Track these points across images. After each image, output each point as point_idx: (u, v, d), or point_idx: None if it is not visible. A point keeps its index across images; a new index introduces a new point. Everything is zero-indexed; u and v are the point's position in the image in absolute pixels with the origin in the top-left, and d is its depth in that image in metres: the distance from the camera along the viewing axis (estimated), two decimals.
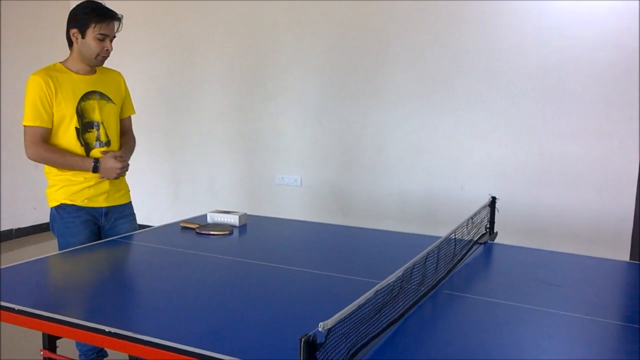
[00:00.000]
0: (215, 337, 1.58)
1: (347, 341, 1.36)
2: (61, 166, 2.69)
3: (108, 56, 2.75)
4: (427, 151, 4.64)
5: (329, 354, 1.27)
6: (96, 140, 2.75)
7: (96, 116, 2.74)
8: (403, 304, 1.71)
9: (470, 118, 4.45)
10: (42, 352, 2.02)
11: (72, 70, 2.72)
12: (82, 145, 2.71)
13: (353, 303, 1.40)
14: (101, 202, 2.79)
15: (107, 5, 2.72)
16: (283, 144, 5.23)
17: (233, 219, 2.94)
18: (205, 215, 3.03)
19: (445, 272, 2.12)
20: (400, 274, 1.69)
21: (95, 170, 2.69)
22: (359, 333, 1.42)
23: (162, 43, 5.67)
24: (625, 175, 4.01)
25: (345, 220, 4.85)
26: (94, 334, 1.61)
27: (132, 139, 3.02)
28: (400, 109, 4.71)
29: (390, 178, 4.80)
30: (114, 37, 2.74)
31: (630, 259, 3.89)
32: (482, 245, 2.62)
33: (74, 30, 2.67)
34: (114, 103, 2.84)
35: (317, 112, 5.04)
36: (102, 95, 2.78)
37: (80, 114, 2.69)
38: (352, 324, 1.38)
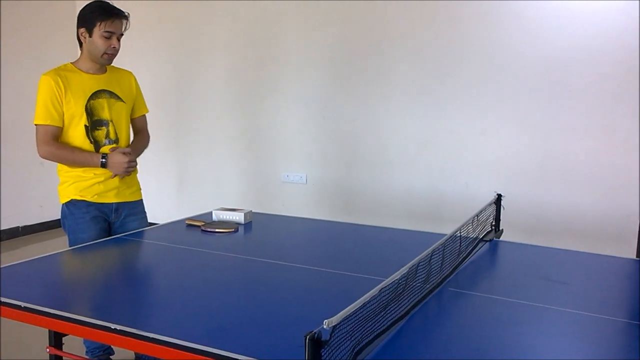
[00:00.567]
0: (220, 334, 1.58)
1: (352, 339, 1.36)
2: (71, 163, 2.73)
3: (115, 54, 2.78)
4: (432, 148, 4.63)
5: (333, 351, 1.27)
6: (105, 138, 2.79)
7: (105, 114, 2.78)
8: (408, 301, 1.71)
9: (475, 115, 4.44)
10: (48, 349, 2.03)
11: (82, 70, 2.77)
12: (91, 142, 2.75)
13: (358, 300, 1.40)
14: (111, 198, 2.82)
15: (113, 5, 2.75)
16: (288, 142, 5.23)
17: (238, 217, 2.94)
18: (211, 213, 3.03)
19: (451, 269, 2.11)
20: (406, 271, 1.69)
21: (103, 165, 2.72)
22: (364, 330, 1.42)
23: (166, 41, 5.67)
24: (630, 172, 4.00)
25: (350, 217, 4.84)
26: (100, 331, 1.61)
27: (144, 137, 3.05)
28: (405, 106, 4.70)
29: (395, 175, 4.80)
30: (122, 35, 2.76)
31: (636, 256, 3.88)
32: (487, 243, 2.61)
33: (82, 30, 2.72)
34: (123, 102, 2.86)
35: (321, 109, 5.04)
36: (112, 94, 2.82)
37: (90, 112, 2.73)
38: (357, 321, 1.38)
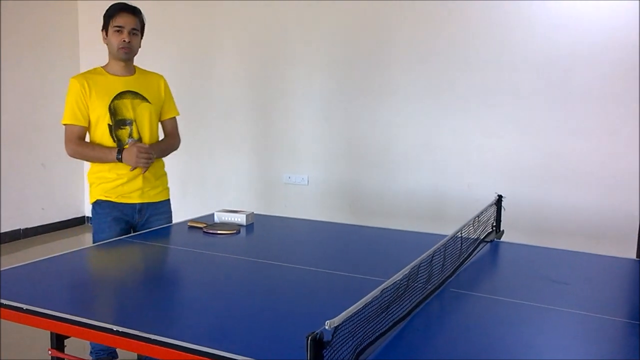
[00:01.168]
0: (222, 335, 1.59)
1: (354, 339, 1.36)
2: (92, 159, 2.86)
3: (131, 48, 2.87)
4: (434, 149, 4.64)
5: (335, 352, 1.28)
6: (129, 137, 2.87)
7: (129, 114, 2.87)
8: (410, 302, 1.71)
9: (477, 116, 4.45)
10: (50, 352, 2.04)
11: (109, 73, 2.90)
12: (114, 141, 2.85)
13: (360, 301, 1.40)
14: (135, 199, 2.91)
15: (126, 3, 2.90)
16: (290, 143, 5.24)
17: (240, 218, 2.95)
18: (213, 215, 3.03)
19: (452, 270, 2.12)
20: (407, 272, 1.69)
21: (119, 159, 2.79)
22: (365, 331, 1.42)
23: (166, 43, 5.68)
24: (631, 173, 4.00)
25: (352, 218, 4.85)
26: (102, 333, 1.62)
27: (172, 138, 3.13)
28: (407, 107, 4.70)
29: (397, 176, 4.80)
30: (135, 30, 2.86)
31: (636, 257, 3.88)
32: (488, 244, 2.62)
33: (102, 33, 2.89)
34: (149, 102, 2.95)
35: (323, 110, 5.05)
36: (137, 95, 2.91)
37: (113, 111, 2.83)
38: (359, 322, 1.39)
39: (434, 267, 1.94)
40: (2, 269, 2.13)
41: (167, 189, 3.11)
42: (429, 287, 1.89)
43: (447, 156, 4.59)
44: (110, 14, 2.83)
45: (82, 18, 6.22)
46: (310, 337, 1.22)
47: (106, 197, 2.87)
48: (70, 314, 1.69)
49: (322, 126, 5.07)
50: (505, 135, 4.37)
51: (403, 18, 4.63)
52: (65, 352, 2.04)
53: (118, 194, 2.87)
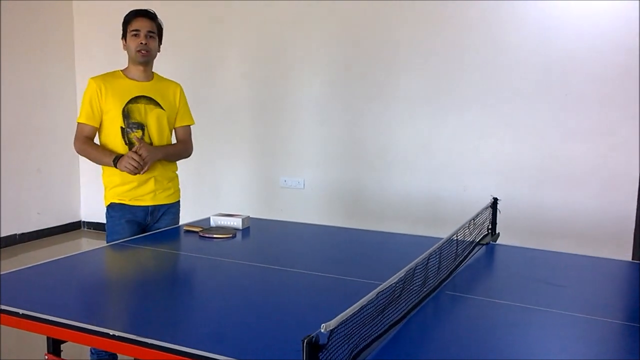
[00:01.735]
0: (218, 339, 1.59)
1: (350, 342, 1.36)
2: (93, 159, 2.91)
3: (148, 51, 2.92)
4: (431, 152, 4.65)
5: (331, 355, 1.28)
6: (140, 140, 2.90)
7: (141, 118, 2.92)
8: (405, 305, 1.72)
9: (473, 119, 4.46)
10: (46, 356, 2.03)
11: (127, 77, 2.96)
12: (126, 144, 2.91)
13: (355, 304, 1.41)
14: (148, 201, 2.98)
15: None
16: (286, 146, 5.25)
17: (236, 222, 2.95)
18: (209, 219, 3.04)
19: (447, 273, 2.12)
20: (403, 275, 1.69)
21: (115, 163, 2.82)
22: (361, 334, 1.42)
23: (167, 47, 5.67)
24: (627, 175, 4.01)
25: (348, 221, 4.85)
26: (99, 338, 1.61)
27: (183, 145, 3.16)
28: (403, 110, 4.72)
29: (393, 179, 4.81)
30: (151, 32, 2.92)
31: (632, 259, 3.89)
32: (484, 246, 2.62)
33: (122, 40, 2.96)
34: (162, 109, 2.99)
35: (319, 113, 5.06)
36: (151, 100, 2.96)
37: (126, 114, 2.88)
38: (355, 325, 1.39)
39: (430, 270, 1.94)
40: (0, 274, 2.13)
41: (179, 190, 3.17)
42: (425, 289, 1.89)
43: (444, 158, 4.60)
44: (127, 20, 2.92)
45: (77, 22, 6.21)
46: (306, 340, 1.22)
47: (120, 200, 2.93)
48: (66, 319, 1.69)
49: (318, 129, 5.07)
50: (502, 137, 4.38)
51: (401, 21, 4.64)
52: (62, 357, 2.04)
53: (131, 197, 2.94)
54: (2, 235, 5.63)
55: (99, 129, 2.92)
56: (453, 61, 4.49)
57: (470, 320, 1.79)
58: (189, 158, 3.20)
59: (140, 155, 2.81)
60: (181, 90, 3.14)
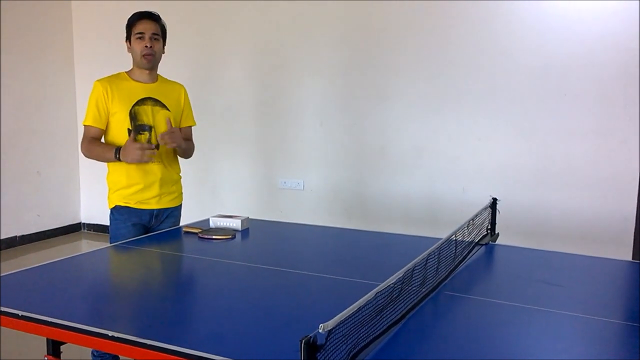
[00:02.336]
0: (217, 340, 1.59)
1: (348, 343, 1.36)
2: (97, 156, 2.89)
3: (153, 54, 2.92)
4: (429, 153, 4.65)
5: (329, 355, 1.28)
6: (147, 142, 2.90)
7: (148, 120, 2.92)
8: (404, 305, 1.72)
9: (473, 120, 4.47)
10: (46, 358, 2.03)
11: (133, 79, 2.96)
12: None
13: (354, 305, 1.41)
14: (153, 205, 2.97)
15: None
16: (285, 148, 5.25)
17: (235, 223, 2.95)
18: (208, 220, 3.04)
19: (446, 273, 2.12)
20: (401, 275, 1.69)
21: (117, 157, 2.80)
22: (359, 335, 1.42)
23: (167, 48, 5.67)
24: (626, 175, 4.01)
25: (348, 223, 4.85)
26: (98, 339, 1.62)
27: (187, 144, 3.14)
28: (402, 111, 4.72)
29: (393, 180, 4.81)
30: (155, 35, 2.92)
31: (632, 259, 3.89)
32: (483, 247, 2.62)
33: (127, 43, 2.96)
34: (168, 110, 2.99)
35: (319, 115, 5.06)
36: (157, 102, 2.96)
37: (133, 116, 2.89)
38: (353, 325, 1.39)
39: (429, 270, 1.94)
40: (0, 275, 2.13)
41: (182, 193, 3.17)
42: (424, 290, 1.89)
43: (443, 160, 4.60)
44: (131, 23, 2.91)
45: (77, 23, 6.22)
46: (304, 341, 1.22)
47: (125, 202, 2.93)
48: (66, 320, 1.69)
49: (318, 131, 5.08)
50: (500, 138, 4.39)
51: (402, 23, 4.64)
52: (62, 358, 2.04)
53: (137, 200, 2.93)
54: (2, 237, 5.63)
55: (105, 131, 2.92)
56: (453, 63, 4.49)
57: (469, 320, 1.80)
58: (186, 159, 3.21)
59: (146, 144, 2.82)
60: (185, 91, 3.15)
